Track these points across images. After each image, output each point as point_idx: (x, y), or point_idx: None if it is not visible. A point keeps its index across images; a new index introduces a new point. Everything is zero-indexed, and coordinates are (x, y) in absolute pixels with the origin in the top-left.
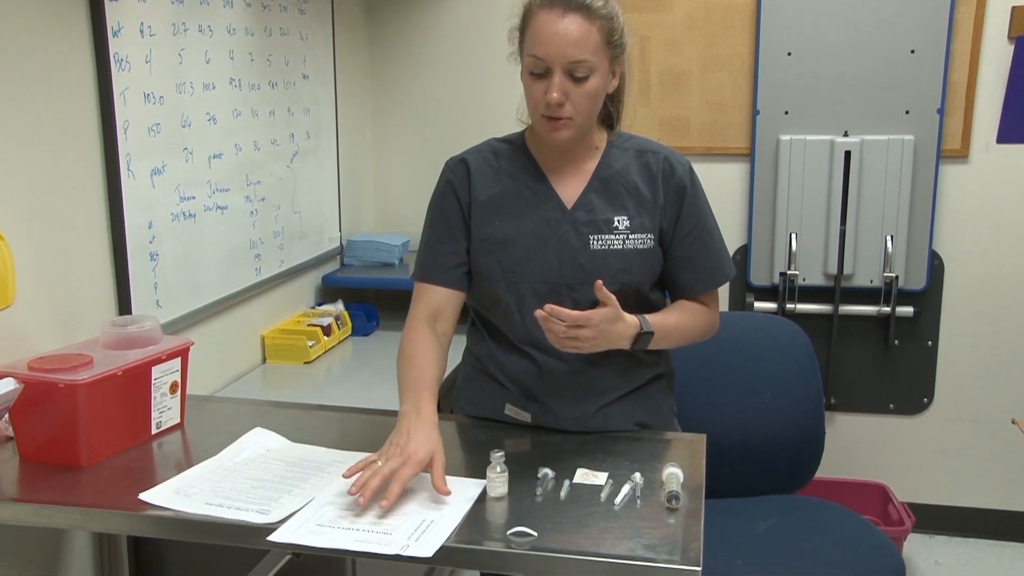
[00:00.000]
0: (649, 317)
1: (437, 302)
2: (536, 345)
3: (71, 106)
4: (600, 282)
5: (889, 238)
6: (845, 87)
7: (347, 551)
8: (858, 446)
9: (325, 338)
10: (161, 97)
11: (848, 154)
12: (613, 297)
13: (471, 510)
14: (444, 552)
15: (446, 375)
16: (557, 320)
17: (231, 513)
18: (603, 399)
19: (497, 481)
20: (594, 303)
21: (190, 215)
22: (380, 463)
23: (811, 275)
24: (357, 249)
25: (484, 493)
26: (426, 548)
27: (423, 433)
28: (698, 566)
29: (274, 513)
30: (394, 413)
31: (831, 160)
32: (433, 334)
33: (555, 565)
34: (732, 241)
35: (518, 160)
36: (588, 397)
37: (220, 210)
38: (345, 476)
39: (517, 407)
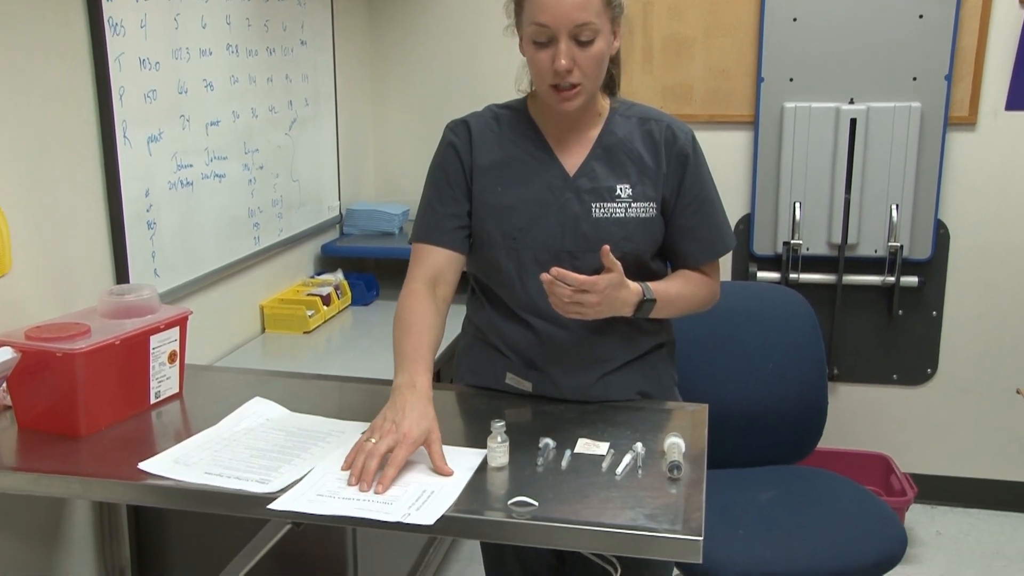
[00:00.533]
0: (651, 285)
1: (438, 264)
2: (537, 313)
3: (65, 72)
4: (607, 247)
5: (894, 207)
6: (851, 53)
7: (348, 518)
8: (861, 417)
9: (324, 308)
10: (157, 63)
11: (854, 122)
12: (619, 263)
13: (472, 480)
14: (445, 521)
15: (446, 345)
16: (563, 284)
17: (231, 483)
18: (604, 368)
19: (498, 451)
20: (596, 271)
21: (188, 183)
22: (374, 440)
23: (815, 244)
24: (356, 218)
25: (485, 463)
26: (427, 517)
27: (418, 410)
28: (699, 536)
29: (274, 482)
30: None
31: (836, 128)
32: (432, 299)
33: (556, 535)
34: (735, 210)
35: (520, 127)
36: (589, 366)
37: (218, 178)
38: (344, 469)
39: (518, 376)
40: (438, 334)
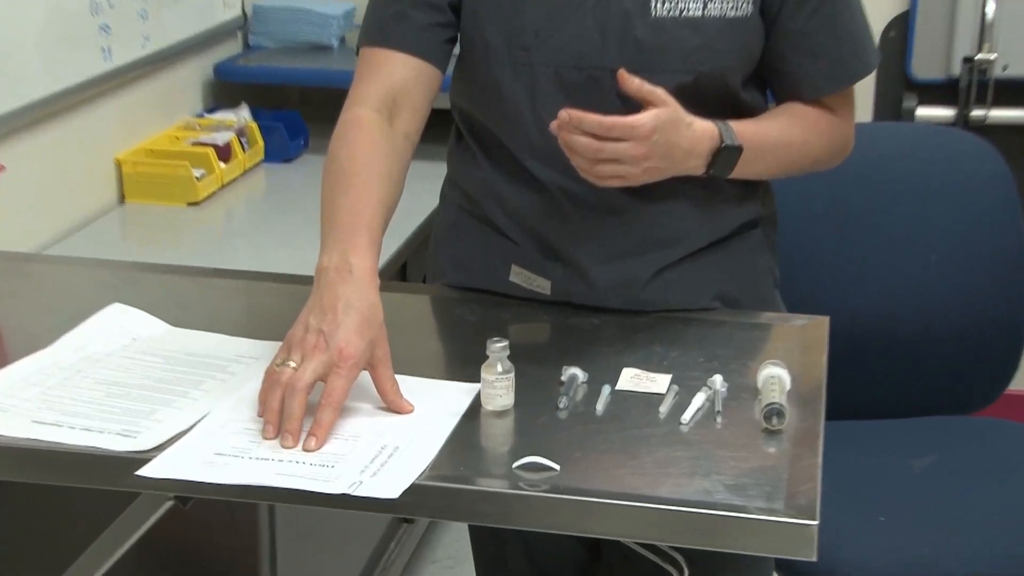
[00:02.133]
0: (735, 125)
1: (400, 80)
2: (559, 168)
3: None
4: (623, 71)
5: None
6: None
7: (263, 489)
8: None
9: (221, 165)
10: None
11: None
12: (659, 90)
13: (457, 431)
14: (416, 494)
15: (417, 224)
16: (583, 132)
17: (76, 436)
18: (665, 257)
19: (497, 386)
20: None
21: None
22: (293, 364)
23: (1018, 62)
24: (270, 21)
25: (477, 404)
26: (388, 487)
27: (359, 311)
28: (813, 519)
29: (146, 436)
30: None
31: None
32: (386, 132)
33: (587, 515)
34: (883, 9)
35: None
36: (641, 252)
37: None
38: (259, 415)
39: (529, 270)
40: (393, 189)
